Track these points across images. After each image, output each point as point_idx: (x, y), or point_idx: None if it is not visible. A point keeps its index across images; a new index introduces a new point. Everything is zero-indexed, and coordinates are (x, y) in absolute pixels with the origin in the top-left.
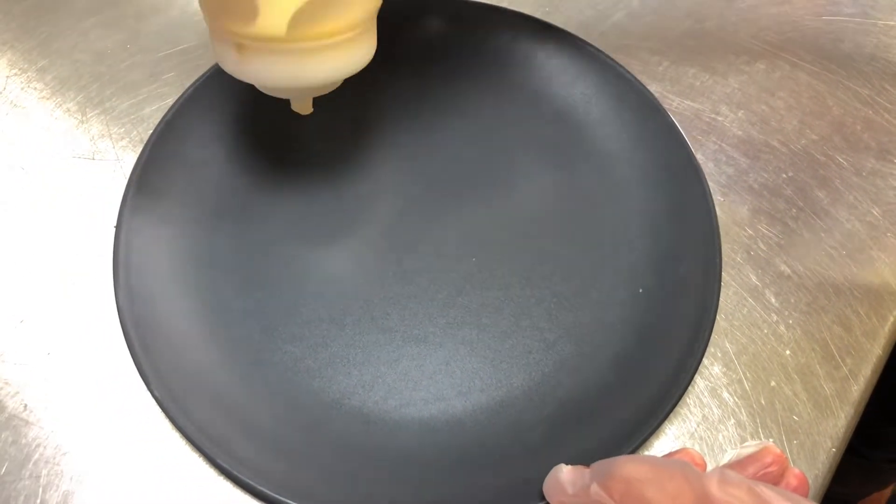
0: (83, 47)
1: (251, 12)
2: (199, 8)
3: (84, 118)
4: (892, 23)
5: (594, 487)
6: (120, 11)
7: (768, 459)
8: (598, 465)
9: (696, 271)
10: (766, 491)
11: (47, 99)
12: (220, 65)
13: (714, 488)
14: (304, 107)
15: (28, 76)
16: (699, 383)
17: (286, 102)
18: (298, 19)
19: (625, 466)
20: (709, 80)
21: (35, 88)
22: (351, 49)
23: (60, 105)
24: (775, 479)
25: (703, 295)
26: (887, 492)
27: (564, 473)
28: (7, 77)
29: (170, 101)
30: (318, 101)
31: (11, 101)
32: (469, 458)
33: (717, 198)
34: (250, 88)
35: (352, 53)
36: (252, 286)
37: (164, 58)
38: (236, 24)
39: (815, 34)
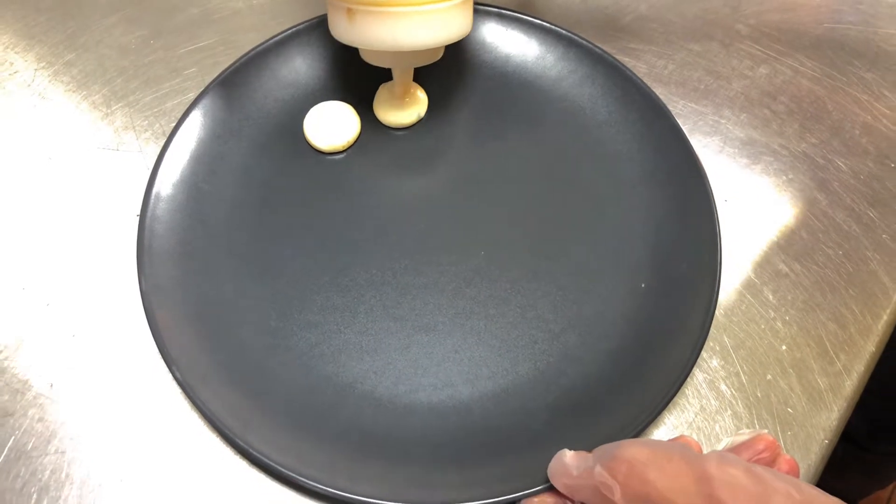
0: (108, 42)
1: None
2: (218, 6)
3: (109, 111)
4: (892, 31)
5: (598, 469)
6: (143, 8)
7: (761, 446)
8: (601, 448)
9: (696, 268)
10: (761, 471)
11: (74, 92)
12: (332, 32)
13: (713, 468)
14: (404, 87)
15: (55, 69)
16: (698, 375)
17: (307, 95)
18: None
19: (627, 449)
20: (713, 84)
21: (62, 81)
22: (449, 18)
23: (86, 98)
24: (767, 465)
25: (703, 291)
26: (886, 494)
27: (568, 457)
28: (35, 70)
29: (191, 96)
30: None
31: (39, 94)
32: (476, 443)
33: (719, 198)
34: (268, 85)
35: (449, 22)
36: (269, 274)
37: (186, 54)
38: None
39: (817, 41)
